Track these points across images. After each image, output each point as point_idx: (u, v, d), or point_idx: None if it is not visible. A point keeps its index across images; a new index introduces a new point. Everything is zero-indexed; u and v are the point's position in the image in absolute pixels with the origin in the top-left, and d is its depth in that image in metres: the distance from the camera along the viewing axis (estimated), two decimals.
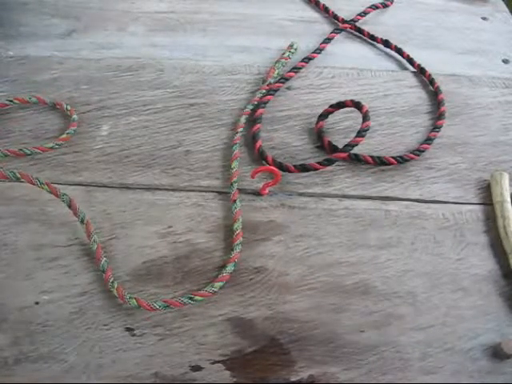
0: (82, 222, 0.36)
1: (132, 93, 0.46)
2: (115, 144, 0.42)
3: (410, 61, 0.52)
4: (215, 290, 0.34)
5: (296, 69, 0.50)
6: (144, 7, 0.55)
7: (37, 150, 0.40)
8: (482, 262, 0.37)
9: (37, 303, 0.34)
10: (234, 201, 0.38)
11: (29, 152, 0.40)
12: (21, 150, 0.40)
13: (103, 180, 0.40)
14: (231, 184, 0.39)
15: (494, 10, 0.60)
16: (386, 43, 0.53)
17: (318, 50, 0.52)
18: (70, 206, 0.36)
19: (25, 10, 0.53)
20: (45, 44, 0.50)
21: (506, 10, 0.61)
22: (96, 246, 0.35)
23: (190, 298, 0.33)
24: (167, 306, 0.33)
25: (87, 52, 0.49)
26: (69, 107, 0.43)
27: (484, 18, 0.59)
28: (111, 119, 0.44)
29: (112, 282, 0.34)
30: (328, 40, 0.53)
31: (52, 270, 0.35)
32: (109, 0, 0.55)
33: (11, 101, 0.43)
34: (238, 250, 0.36)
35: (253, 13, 0.56)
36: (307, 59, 0.51)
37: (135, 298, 0.33)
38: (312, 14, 0.58)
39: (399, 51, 0.53)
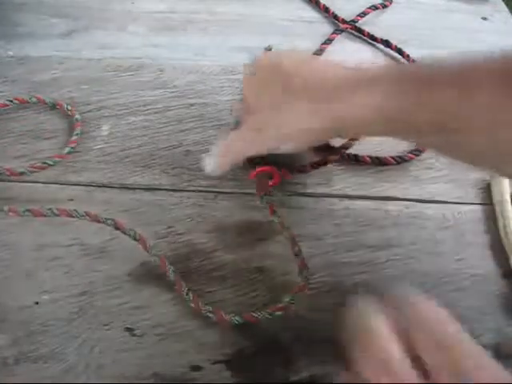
0: (134, 238, 0.36)
1: (132, 93, 0.46)
2: (115, 144, 0.42)
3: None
4: (293, 301, 0.33)
5: None
6: (144, 7, 0.55)
7: (57, 159, 0.40)
8: (482, 262, 0.37)
9: (37, 303, 0.34)
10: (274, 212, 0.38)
11: (52, 163, 0.40)
12: (44, 162, 0.40)
13: (103, 180, 0.40)
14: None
15: (494, 10, 0.60)
16: (387, 43, 0.53)
17: (319, 51, 0.52)
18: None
19: (25, 9, 0.53)
20: (45, 44, 0.50)
21: (506, 9, 0.61)
22: (159, 260, 0.35)
23: (270, 314, 0.33)
24: (244, 323, 0.33)
25: (87, 52, 0.49)
26: (69, 107, 0.43)
27: (484, 18, 0.59)
28: (111, 119, 0.44)
29: (187, 294, 0.33)
30: (329, 41, 0.53)
31: (52, 269, 0.35)
32: (109, 0, 0.55)
33: (11, 101, 0.43)
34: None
35: (253, 13, 0.56)
36: None
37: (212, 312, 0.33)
38: (312, 13, 0.57)
39: (399, 51, 0.53)
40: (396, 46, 0.53)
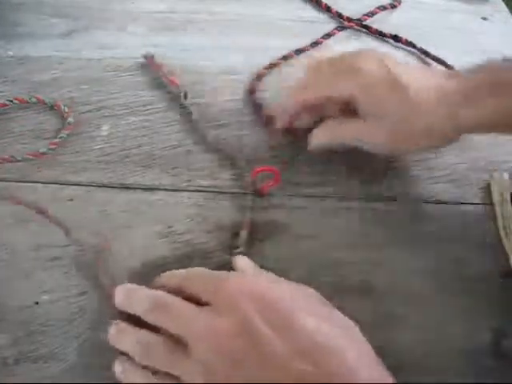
0: None
1: (132, 93, 0.46)
2: (115, 144, 0.42)
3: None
4: None
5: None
6: (144, 7, 0.55)
7: (29, 156, 0.40)
8: (482, 262, 0.37)
9: (37, 303, 0.34)
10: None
11: (20, 158, 0.40)
12: (13, 156, 0.40)
13: (103, 180, 0.40)
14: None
15: (494, 10, 0.60)
16: (395, 38, 0.53)
17: (314, 44, 0.52)
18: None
19: (24, 9, 0.53)
20: (45, 44, 0.50)
21: (506, 9, 0.61)
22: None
23: None
24: None
25: (87, 52, 0.49)
26: (66, 109, 0.43)
27: (484, 18, 0.59)
28: (111, 119, 0.44)
29: None
30: (327, 36, 0.53)
31: (52, 269, 0.35)
32: (109, 0, 0.55)
33: (11, 101, 0.43)
34: None
35: (253, 13, 0.56)
36: (299, 51, 0.51)
37: None
38: (313, 13, 0.57)
39: (411, 45, 0.53)
40: (407, 40, 0.53)
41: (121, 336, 0.30)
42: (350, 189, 0.41)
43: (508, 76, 0.34)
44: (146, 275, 0.35)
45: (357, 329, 0.28)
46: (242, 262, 0.35)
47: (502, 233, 0.38)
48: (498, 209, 0.40)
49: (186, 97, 0.45)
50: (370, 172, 0.42)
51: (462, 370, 0.33)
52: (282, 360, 0.25)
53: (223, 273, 0.31)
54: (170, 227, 0.38)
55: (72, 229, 0.37)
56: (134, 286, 0.32)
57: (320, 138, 0.40)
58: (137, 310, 0.30)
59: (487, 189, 0.42)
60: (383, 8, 0.57)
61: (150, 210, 0.39)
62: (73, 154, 0.41)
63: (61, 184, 0.39)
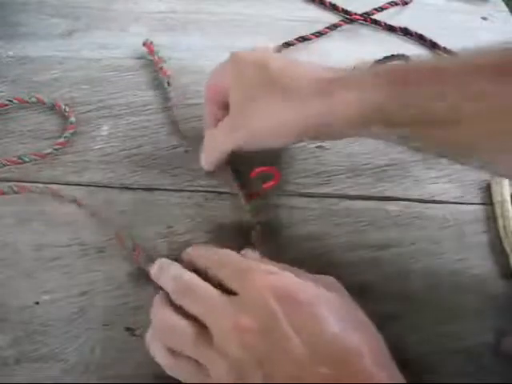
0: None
1: (132, 93, 0.46)
2: (115, 144, 0.42)
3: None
4: None
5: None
6: (144, 7, 0.55)
7: (35, 157, 0.40)
8: (482, 262, 0.37)
9: (37, 303, 0.34)
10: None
11: (28, 159, 0.40)
12: (20, 158, 0.40)
13: (103, 180, 0.40)
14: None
15: (494, 10, 0.60)
16: (406, 31, 0.54)
17: (318, 33, 0.52)
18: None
19: (25, 9, 0.53)
20: (45, 44, 0.50)
21: (506, 9, 0.61)
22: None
23: None
24: None
25: (87, 52, 0.49)
26: (67, 109, 0.43)
27: (484, 18, 0.59)
28: (111, 119, 0.44)
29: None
30: (333, 27, 0.53)
31: (52, 269, 0.35)
32: (109, 0, 0.55)
33: (11, 101, 0.43)
34: None
35: (253, 13, 0.56)
36: (302, 38, 0.52)
37: None
38: (315, 13, 0.57)
39: (421, 37, 0.53)
40: (416, 33, 0.53)
41: (155, 311, 0.30)
42: (350, 189, 0.41)
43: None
44: (145, 275, 0.35)
45: (372, 326, 0.28)
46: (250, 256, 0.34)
47: (502, 233, 0.38)
48: (497, 209, 0.40)
49: (169, 84, 0.46)
50: (369, 172, 0.42)
51: (462, 369, 0.33)
52: (303, 362, 0.25)
53: (249, 262, 0.31)
54: (170, 227, 0.38)
55: (73, 229, 0.37)
56: (167, 262, 0.33)
57: (202, 162, 0.39)
58: (165, 287, 0.31)
59: (487, 189, 0.42)
60: (394, 4, 0.57)
61: (150, 210, 0.39)
62: (73, 154, 0.41)
63: (61, 184, 0.39)
